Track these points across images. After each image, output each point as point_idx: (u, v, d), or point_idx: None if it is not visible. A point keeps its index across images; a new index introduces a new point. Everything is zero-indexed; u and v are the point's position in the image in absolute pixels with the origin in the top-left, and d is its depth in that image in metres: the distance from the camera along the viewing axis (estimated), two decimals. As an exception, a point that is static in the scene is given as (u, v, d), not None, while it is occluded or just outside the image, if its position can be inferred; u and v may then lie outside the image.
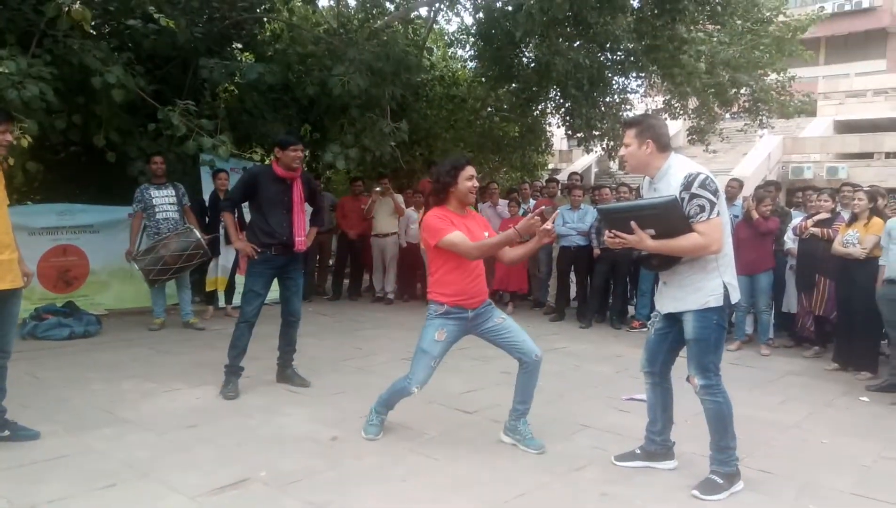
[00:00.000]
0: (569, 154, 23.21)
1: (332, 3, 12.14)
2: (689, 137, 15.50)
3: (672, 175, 3.05)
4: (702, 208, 2.93)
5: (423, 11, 12.65)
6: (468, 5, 11.88)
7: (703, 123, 14.35)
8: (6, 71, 5.42)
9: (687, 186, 2.95)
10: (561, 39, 9.39)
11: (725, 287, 3.05)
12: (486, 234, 3.66)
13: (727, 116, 15.63)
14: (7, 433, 3.49)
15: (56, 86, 5.93)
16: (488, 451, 3.61)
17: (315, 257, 9.28)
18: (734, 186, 7.53)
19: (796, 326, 6.64)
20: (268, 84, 7.98)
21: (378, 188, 9.00)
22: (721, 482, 3.14)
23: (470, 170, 3.58)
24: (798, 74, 14.74)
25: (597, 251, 7.55)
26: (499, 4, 10.19)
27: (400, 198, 8.97)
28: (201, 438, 3.69)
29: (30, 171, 6.48)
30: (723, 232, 3.00)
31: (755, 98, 13.47)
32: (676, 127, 23.45)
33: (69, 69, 6.31)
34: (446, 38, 14.16)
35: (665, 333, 3.29)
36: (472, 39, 11.98)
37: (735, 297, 3.09)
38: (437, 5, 12.31)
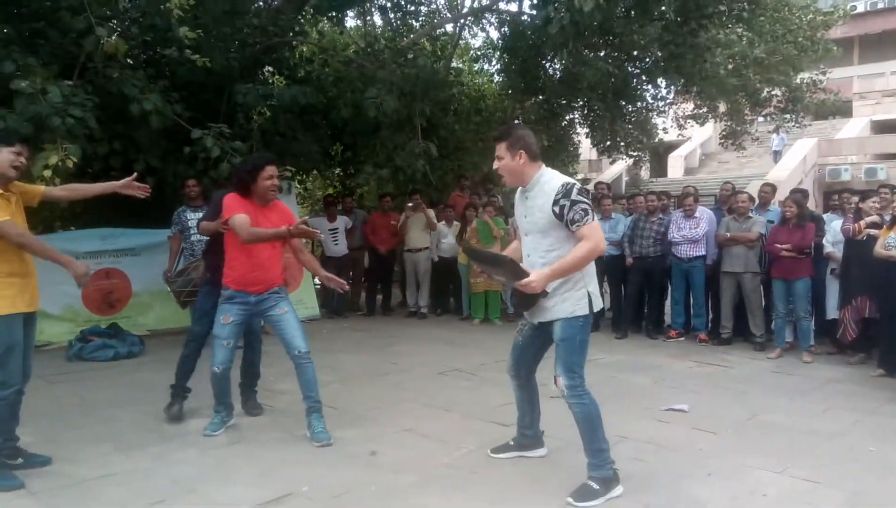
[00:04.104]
0: (598, 164, 23.12)
1: (358, 23, 12.36)
2: (722, 141, 15.32)
3: (545, 183, 3.17)
4: (585, 212, 3.06)
5: (449, 28, 12.81)
6: (493, 20, 12.01)
7: (735, 125, 14.19)
8: (52, 99, 5.64)
9: (566, 194, 3.07)
10: (587, 51, 9.41)
11: (589, 296, 3.17)
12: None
13: (760, 118, 15.40)
14: (20, 460, 3.54)
15: (97, 114, 6.15)
16: (526, 463, 3.61)
17: (349, 274, 9.39)
18: (767, 192, 7.43)
19: (842, 333, 6.46)
20: (301, 106, 8.15)
21: (410, 204, 9.09)
22: (597, 487, 3.15)
23: (270, 170, 3.90)
24: (831, 75, 14.48)
25: (629, 260, 7.51)
26: (525, 18, 10.27)
27: (431, 213, 9.05)
28: (244, 454, 3.77)
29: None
30: (601, 233, 3.16)
31: (791, 97, 13.25)
32: (707, 133, 23.25)
33: (109, 98, 6.54)
34: (472, 53, 14.29)
35: (533, 339, 3.45)
36: (498, 53, 12.07)
37: (598, 305, 3.20)
38: (462, 21, 12.46)
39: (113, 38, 5.68)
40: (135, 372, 5.88)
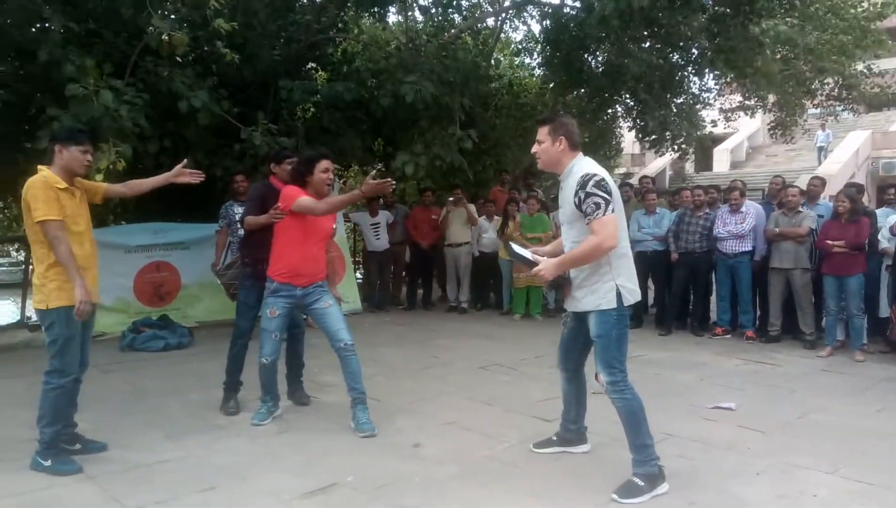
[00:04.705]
0: (641, 158, 22.78)
1: (400, 18, 12.41)
2: (771, 133, 14.90)
3: (575, 173, 3.15)
4: (597, 206, 3.02)
5: (490, 22, 12.77)
6: (535, 13, 11.91)
7: (785, 116, 13.77)
8: (104, 100, 5.81)
9: (583, 185, 3.05)
10: (630, 43, 9.27)
11: (618, 289, 3.12)
12: (335, 225, 4.23)
13: (811, 108, 14.91)
14: (78, 446, 3.66)
15: (147, 112, 6.32)
16: (569, 458, 3.60)
17: (390, 268, 9.47)
18: (816, 185, 7.22)
19: (891, 330, 6.27)
20: (345, 101, 8.23)
21: (451, 199, 9.12)
22: (642, 484, 3.11)
23: (325, 163, 4.00)
24: (888, 64, 13.95)
25: (674, 256, 7.39)
26: (567, 10, 10.17)
27: (472, 207, 9.06)
28: (290, 444, 3.85)
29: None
30: (617, 228, 3.08)
31: (845, 84, 12.78)
32: (755, 125, 22.68)
33: (159, 96, 6.72)
34: (513, 46, 14.22)
35: (576, 332, 3.42)
36: (540, 46, 11.97)
37: (631, 299, 3.15)
38: (503, 15, 12.40)
39: (175, 32, 5.81)
40: (184, 362, 6.05)
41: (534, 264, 3.23)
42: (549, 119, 3.29)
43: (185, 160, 4.11)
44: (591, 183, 3.04)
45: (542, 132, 3.25)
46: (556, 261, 3.15)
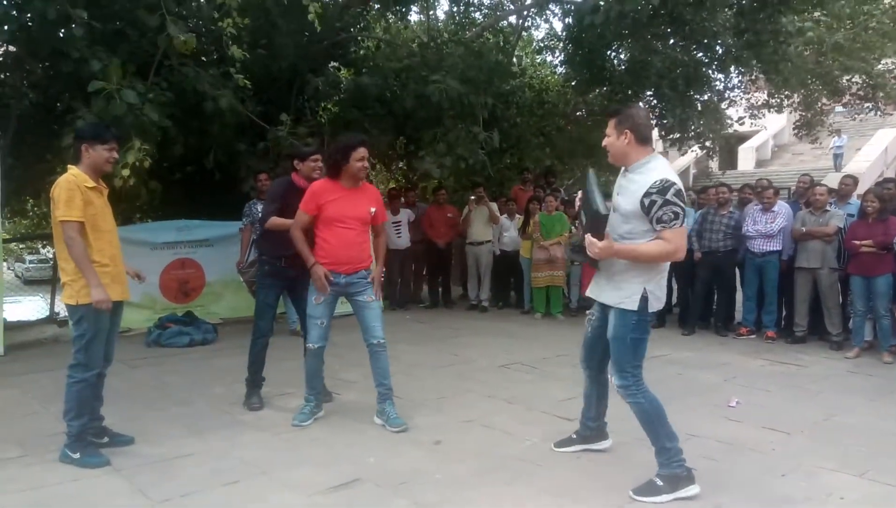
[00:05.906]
0: (664, 156, 22.51)
1: (422, 17, 12.44)
2: (796, 132, 14.68)
3: (648, 170, 3.02)
4: (675, 216, 2.96)
5: (512, 20, 12.74)
6: (557, 11, 11.86)
7: (810, 115, 13.55)
8: (127, 99, 5.87)
9: (661, 191, 2.94)
10: (654, 40, 9.19)
11: (645, 294, 3.05)
12: (373, 209, 4.05)
13: (838, 107, 14.67)
14: (106, 439, 3.72)
15: (172, 111, 6.38)
16: (590, 458, 3.59)
17: (411, 267, 9.49)
18: (848, 184, 7.10)
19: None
20: (368, 97, 8.26)
21: (473, 197, 9.11)
22: (661, 484, 3.08)
23: (362, 151, 3.93)
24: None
25: (697, 255, 7.31)
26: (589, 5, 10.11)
27: (494, 206, 9.04)
28: (313, 439, 3.88)
29: (152, 189, 6.99)
30: (685, 241, 3.06)
31: (872, 84, 12.54)
32: (781, 123, 22.34)
33: (184, 95, 6.78)
34: (535, 44, 14.17)
35: (601, 331, 3.32)
36: (562, 44, 11.91)
37: (654, 307, 3.09)
38: (525, 13, 12.36)
39: (183, 36, 5.87)
40: (209, 358, 6.12)
41: (596, 229, 3.04)
42: (615, 111, 3.17)
43: (139, 272, 4.04)
44: (672, 192, 2.93)
45: (610, 125, 3.12)
46: (616, 247, 3.00)
